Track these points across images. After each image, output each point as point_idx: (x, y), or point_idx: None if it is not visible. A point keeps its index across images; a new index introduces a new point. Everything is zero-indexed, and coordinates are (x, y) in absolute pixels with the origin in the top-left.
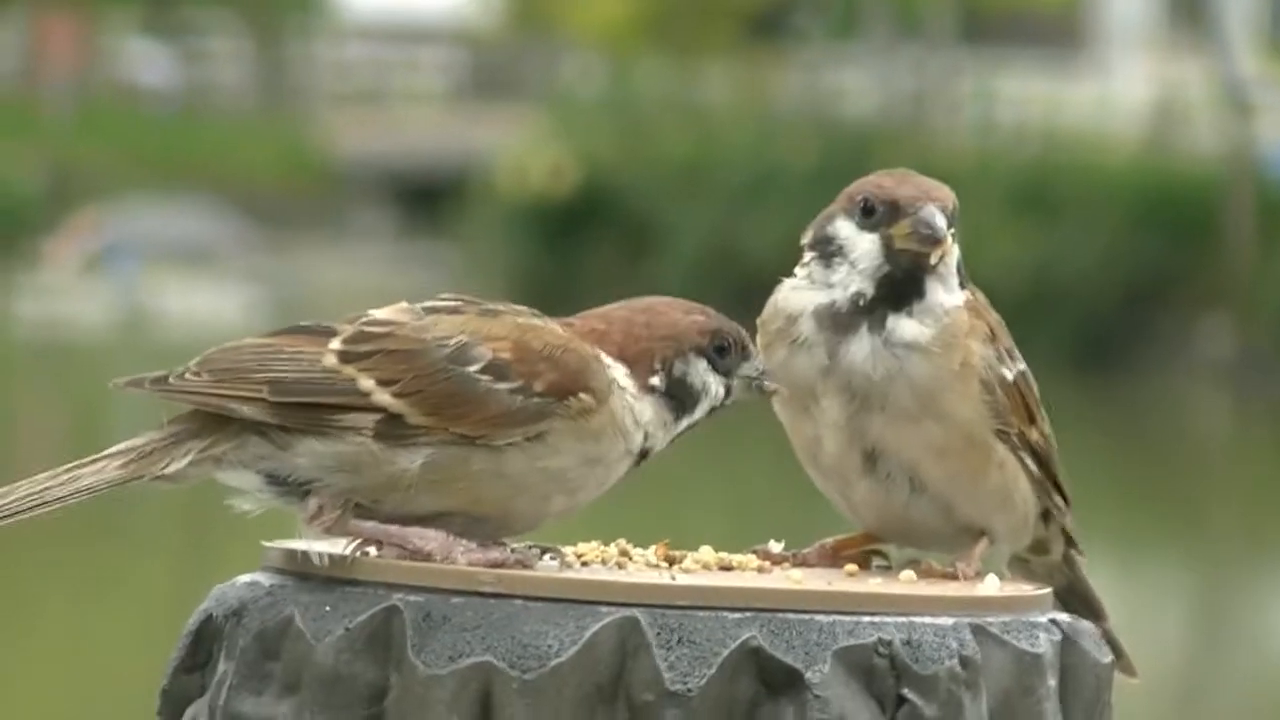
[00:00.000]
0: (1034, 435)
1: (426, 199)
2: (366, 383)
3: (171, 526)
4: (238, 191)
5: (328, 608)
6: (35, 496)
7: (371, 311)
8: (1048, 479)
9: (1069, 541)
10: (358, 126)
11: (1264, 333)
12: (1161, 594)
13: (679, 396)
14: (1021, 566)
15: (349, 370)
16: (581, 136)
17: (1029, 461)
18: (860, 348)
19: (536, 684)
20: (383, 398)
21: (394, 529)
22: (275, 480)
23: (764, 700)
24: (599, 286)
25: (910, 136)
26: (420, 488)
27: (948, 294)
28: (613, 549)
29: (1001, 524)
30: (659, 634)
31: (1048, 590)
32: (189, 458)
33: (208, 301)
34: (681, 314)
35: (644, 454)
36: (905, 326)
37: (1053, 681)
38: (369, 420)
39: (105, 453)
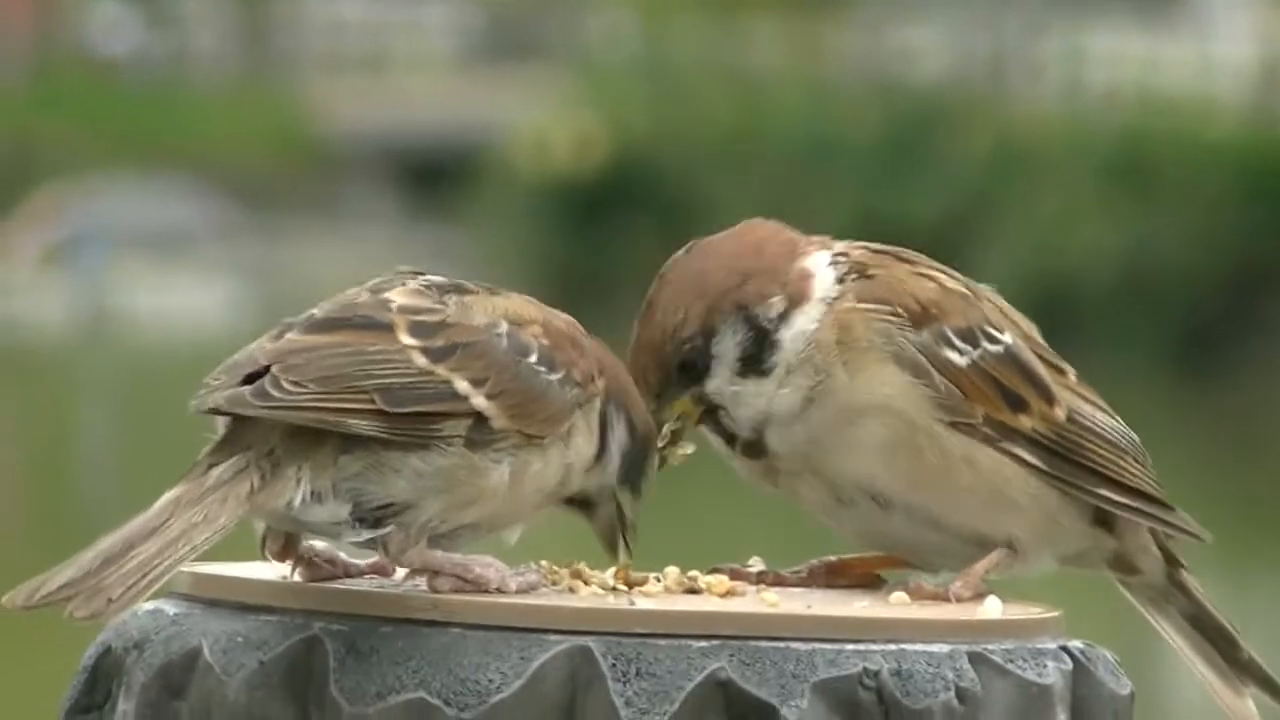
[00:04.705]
0: (1027, 423)
1: (433, 178)
2: (462, 384)
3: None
4: (218, 171)
5: (240, 638)
6: (156, 564)
7: (391, 297)
8: (1086, 473)
9: (1169, 559)
10: (354, 96)
11: None
12: (1276, 617)
13: None
14: (1137, 595)
15: (442, 371)
16: (612, 104)
17: (1024, 453)
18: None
19: None
20: (479, 401)
21: (458, 557)
22: (361, 509)
23: None
24: (633, 277)
25: (987, 104)
26: (496, 501)
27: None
28: (563, 570)
29: (1014, 527)
30: (614, 665)
31: (1057, 613)
32: (303, 486)
33: (185, 297)
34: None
35: None
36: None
37: (1063, 716)
38: (462, 428)
39: (189, 493)
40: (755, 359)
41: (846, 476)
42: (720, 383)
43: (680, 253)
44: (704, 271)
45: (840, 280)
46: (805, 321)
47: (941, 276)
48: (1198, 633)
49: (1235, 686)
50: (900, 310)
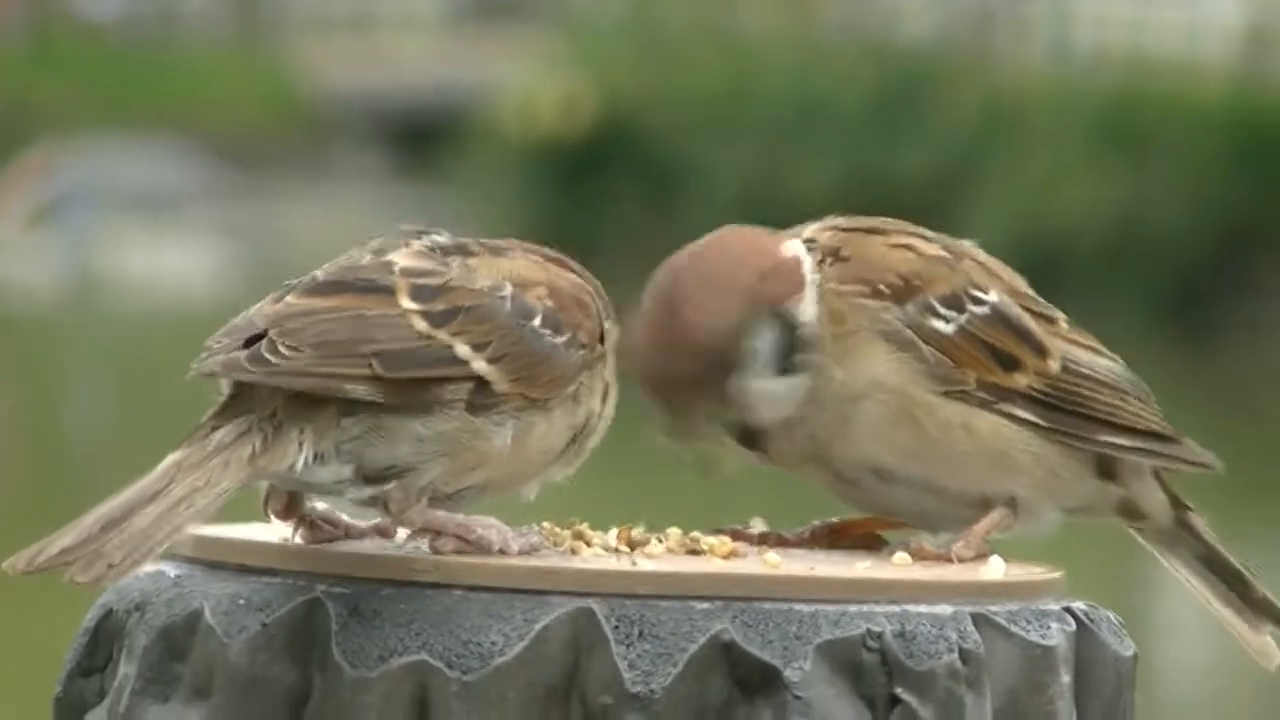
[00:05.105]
0: (1022, 381)
1: (422, 139)
2: (463, 349)
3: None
4: (206, 133)
5: (241, 601)
6: (157, 529)
7: (394, 259)
8: (1086, 422)
9: (1175, 503)
10: (343, 57)
11: None
12: (1275, 584)
13: None
14: (1148, 540)
15: (443, 336)
16: (600, 66)
17: (1022, 412)
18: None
19: (478, 686)
20: (480, 365)
21: (460, 518)
22: (363, 470)
23: (737, 702)
24: (620, 238)
25: (975, 63)
26: (500, 463)
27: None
28: (565, 531)
29: (1016, 486)
30: (617, 627)
31: (1059, 573)
32: (305, 450)
33: (174, 259)
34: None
35: None
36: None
37: (1067, 678)
38: (463, 392)
39: (190, 456)
40: (785, 357)
41: (848, 460)
42: (748, 381)
43: (681, 254)
44: (728, 271)
45: (816, 268)
46: (809, 312)
47: (919, 243)
48: (1211, 574)
49: (1254, 624)
50: (882, 287)
